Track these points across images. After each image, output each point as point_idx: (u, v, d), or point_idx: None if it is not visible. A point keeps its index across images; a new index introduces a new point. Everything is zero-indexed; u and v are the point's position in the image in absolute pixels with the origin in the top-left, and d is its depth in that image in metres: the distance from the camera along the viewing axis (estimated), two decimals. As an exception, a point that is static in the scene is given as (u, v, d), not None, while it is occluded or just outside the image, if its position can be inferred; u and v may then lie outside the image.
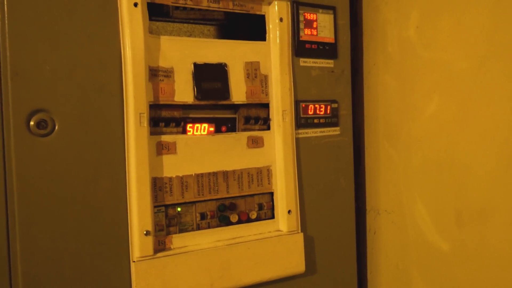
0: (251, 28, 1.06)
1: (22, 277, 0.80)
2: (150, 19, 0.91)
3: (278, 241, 1.00)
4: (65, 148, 0.83)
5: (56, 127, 0.82)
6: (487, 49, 0.88)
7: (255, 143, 1.02)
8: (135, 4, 0.86)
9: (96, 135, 0.85)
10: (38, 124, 0.80)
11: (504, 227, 0.86)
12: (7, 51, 0.78)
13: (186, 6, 0.95)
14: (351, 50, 1.17)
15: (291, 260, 1.02)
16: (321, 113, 1.09)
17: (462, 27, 0.92)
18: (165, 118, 0.92)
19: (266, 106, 1.03)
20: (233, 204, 0.99)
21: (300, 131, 1.06)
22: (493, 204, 0.88)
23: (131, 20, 0.86)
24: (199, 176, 0.96)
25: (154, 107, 0.91)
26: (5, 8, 0.78)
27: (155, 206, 0.91)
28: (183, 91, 0.94)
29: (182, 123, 0.95)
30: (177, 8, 1.02)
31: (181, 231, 0.94)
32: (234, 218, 0.99)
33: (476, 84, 0.90)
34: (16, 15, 0.79)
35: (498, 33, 0.86)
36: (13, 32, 0.79)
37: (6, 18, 0.78)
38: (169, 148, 0.93)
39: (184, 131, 0.95)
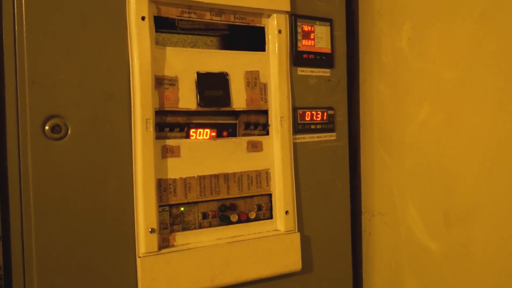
0: (251, 39, 1.11)
1: (36, 270, 0.85)
2: (157, 31, 0.96)
3: (275, 240, 1.05)
4: (77, 151, 0.88)
5: (69, 132, 0.87)
6: (472, 60, 0.92)
7: (255, 147, 1.07)
8: (143, 18, 0.92)
9: (105, 139, 0.90)
10: (52, 129, 0.86)
11: (486, 227, 0.91)
12: (25, 61, 0.84)
13: (190, 19, 1.01)
14: (348, 60, 1.21)
15: (288, 258, 1.06)
16: (318, 119, 1.14)
17: (449, 39, 0.97)
18: (169, 124, 0.98)
19: (265, 112, 1.08)
20: (233, 204, 1.05)
21: (297, 136, 1.11)
22: (477, 206, 0.93)
23: (138, 33, 0.92)
24: (202, 178, 1.01)
25: (160, 113, 0.96)
26: (24, 22, 0.84)
27: (160, 206, 0.96)
28: (187, 99, 0.99)
29: (186, 128, 1.00)
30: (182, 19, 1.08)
31: (184, 229, 0.99)
32: (234, 218, 1.04)
33: (462, 94, 0.95)
34: (33, 28, 0.84)
35: (482, 45, 0.90)
36: (31, 44, 0.84)
37: (24, 32, 0.84)
38: (174, 152, 0.98)
39: (188, 136, 1.00)
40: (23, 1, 0.84)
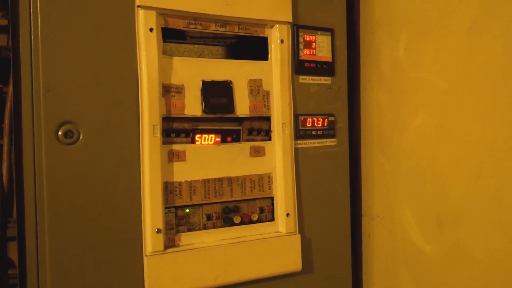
0: (255, 48, 1.15)
1: (49, 268, 0.89)
2: (165, 41, 1.01)
3: (277, 241, 1.09)
4: (88, 155, 0.92)
5: (81, 137, 0.91)
6: (462, 70, 0.96)
7: (257, 152, 1.11)
8: (151, 30, 0.97)
9: (115, 144, 0.94)
10: (65, 134, 0.90)
11: (475, 230, 0.94)
12: (40, 71, 0.89)
13: (196, 30, 1.05)
14: (350, 67, 1.25)
15: (289, 259, 1.10)
16: (319, 125, 1.18)
17: (442, 50, 1.01)
18: (176, 129, 1.02)
19: (267, 119, 1.12)
20: (236, 207, 1.08)
21: (299, 141, 1.15)
22: (466, 210, 0.96)
23: (147, 44, 0.96)
24: (206, 181, 1.05)
25: (167, 119, 1.00)
26: (39, 33, 0.88)
27: (166, 207, 1.00)
28: (193, 106, 1.03)
29: (191, 134, 1.04)
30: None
31: (189, 230, 1.03)
32: (237, 219, 1.07)
33: (453, 103, 0.98)
34: (48, 39, 0.89)
35: (471, 57, 0.94)
36: (46, 54, 0.89)
37: (39, 43, 0.88)
38: (179, 156, 1.02)
39: (193, 141, 1.04)
40: (39, 14, 0.88)
